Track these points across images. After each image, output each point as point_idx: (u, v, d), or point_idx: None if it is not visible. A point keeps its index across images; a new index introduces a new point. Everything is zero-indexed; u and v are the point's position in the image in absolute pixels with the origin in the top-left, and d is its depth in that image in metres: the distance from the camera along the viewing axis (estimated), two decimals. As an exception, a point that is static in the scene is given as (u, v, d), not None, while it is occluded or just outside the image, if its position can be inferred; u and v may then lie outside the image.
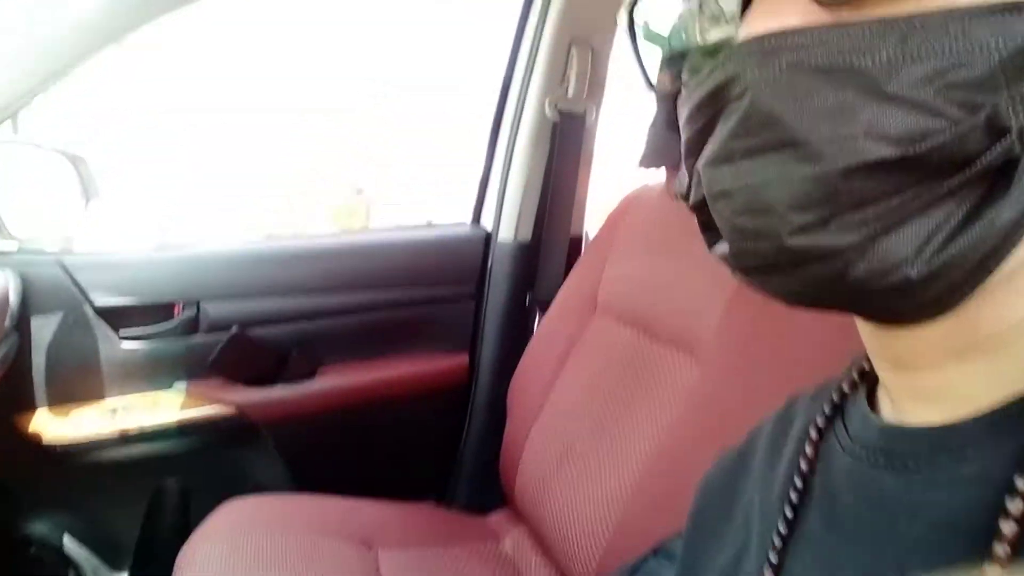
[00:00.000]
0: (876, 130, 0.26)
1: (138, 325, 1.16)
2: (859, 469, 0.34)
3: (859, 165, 0.26)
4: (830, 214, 0.27)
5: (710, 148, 0.30)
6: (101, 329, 1.13)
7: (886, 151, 0.25)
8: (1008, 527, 0.26)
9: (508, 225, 1.34)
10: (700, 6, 0.37)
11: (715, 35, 0.36)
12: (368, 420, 1.30)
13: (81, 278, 1.12)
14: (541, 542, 1.05)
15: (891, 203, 0.26)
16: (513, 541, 1.12)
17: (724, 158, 0.29)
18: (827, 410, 0.38)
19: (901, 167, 0.26)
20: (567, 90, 1.28)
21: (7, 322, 0.99)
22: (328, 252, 1.32)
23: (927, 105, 0.25)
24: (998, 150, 0.25)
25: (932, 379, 0.31)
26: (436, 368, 1.34)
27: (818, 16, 0.28)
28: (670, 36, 0.51)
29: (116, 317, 1.14)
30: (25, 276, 1.07)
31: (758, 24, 0.29)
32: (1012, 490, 0.26)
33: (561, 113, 1.28)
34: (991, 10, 0.25)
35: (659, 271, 1.04)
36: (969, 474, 0.29)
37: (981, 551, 0.26)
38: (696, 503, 0.49)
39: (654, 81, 0.43)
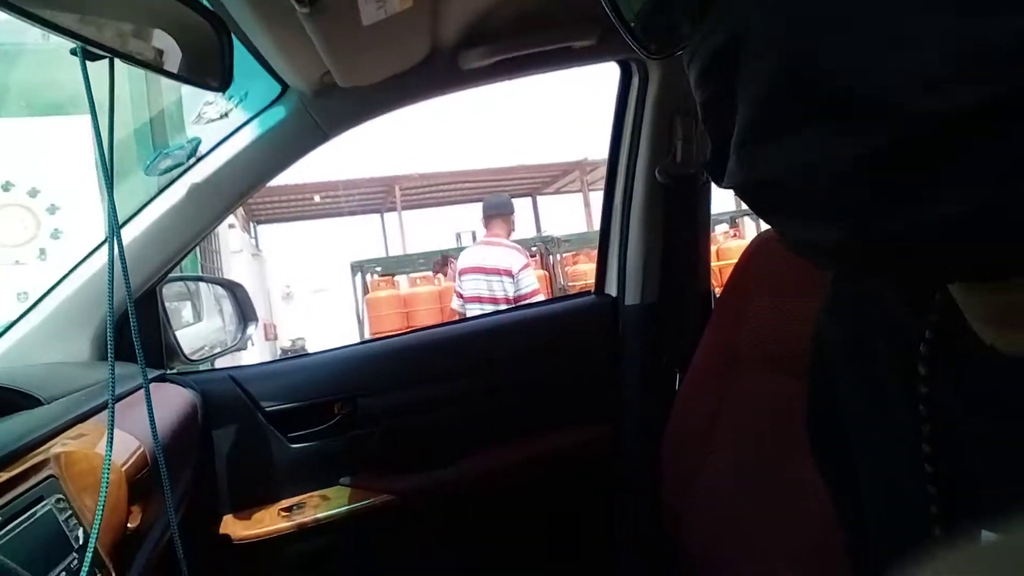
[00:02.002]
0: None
1: (302, 427, 1.24)
2: (1007, 443, 0.27)
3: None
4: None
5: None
6: (272, 434, 1.21)
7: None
8: None
9: (634, 290, 1.36)
10: None
11: None
12: (520, 498, 1.31)
13: (251, 388, 1.21)
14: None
15: None
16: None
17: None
18: (924, 351, 0.31)
19: None
20: (674, 157, 1.32)
21: (196, 435, 1.08)
22: (463, 337, 1.38)
23: None
24: None
25: None
26: (581, 440, 1.34)
27: None
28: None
29: (283, 421, 1.22)
30: (204, 392, 1.17)
31: None
32: None
33: (671, 177, 1.32)
34: None
35: (797, 312, 1.03)
36: None
37: None
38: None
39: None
